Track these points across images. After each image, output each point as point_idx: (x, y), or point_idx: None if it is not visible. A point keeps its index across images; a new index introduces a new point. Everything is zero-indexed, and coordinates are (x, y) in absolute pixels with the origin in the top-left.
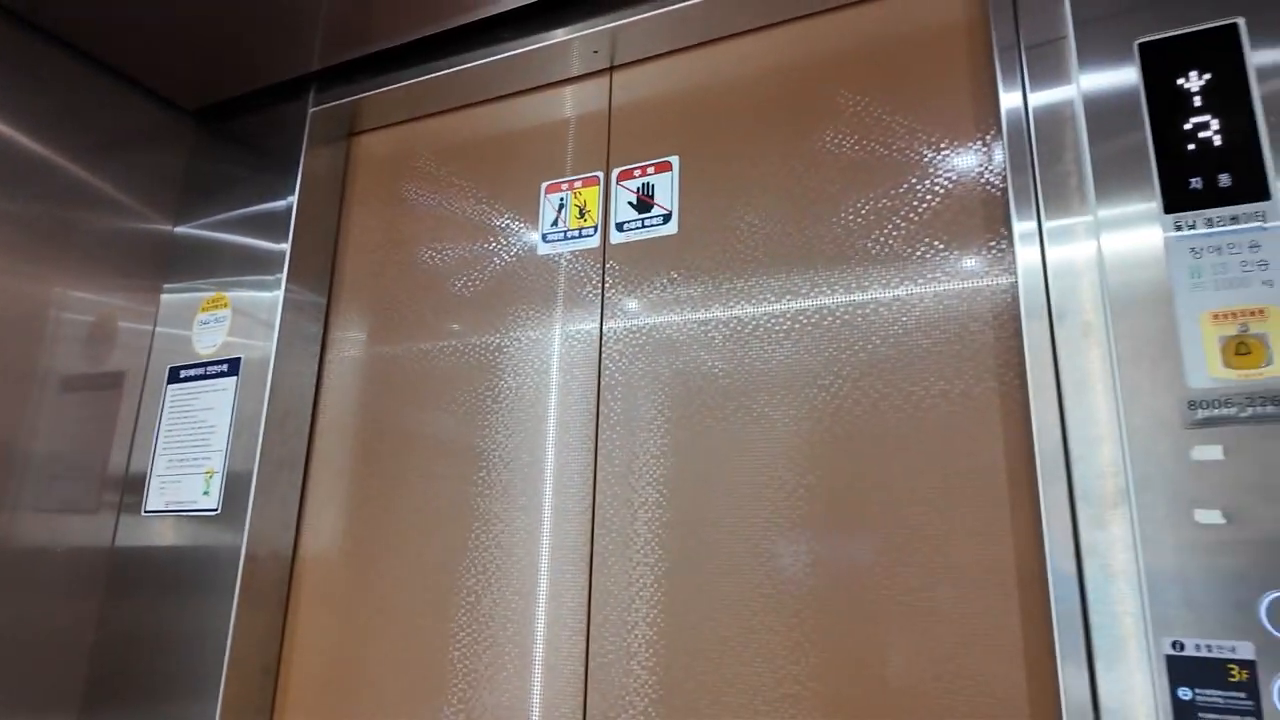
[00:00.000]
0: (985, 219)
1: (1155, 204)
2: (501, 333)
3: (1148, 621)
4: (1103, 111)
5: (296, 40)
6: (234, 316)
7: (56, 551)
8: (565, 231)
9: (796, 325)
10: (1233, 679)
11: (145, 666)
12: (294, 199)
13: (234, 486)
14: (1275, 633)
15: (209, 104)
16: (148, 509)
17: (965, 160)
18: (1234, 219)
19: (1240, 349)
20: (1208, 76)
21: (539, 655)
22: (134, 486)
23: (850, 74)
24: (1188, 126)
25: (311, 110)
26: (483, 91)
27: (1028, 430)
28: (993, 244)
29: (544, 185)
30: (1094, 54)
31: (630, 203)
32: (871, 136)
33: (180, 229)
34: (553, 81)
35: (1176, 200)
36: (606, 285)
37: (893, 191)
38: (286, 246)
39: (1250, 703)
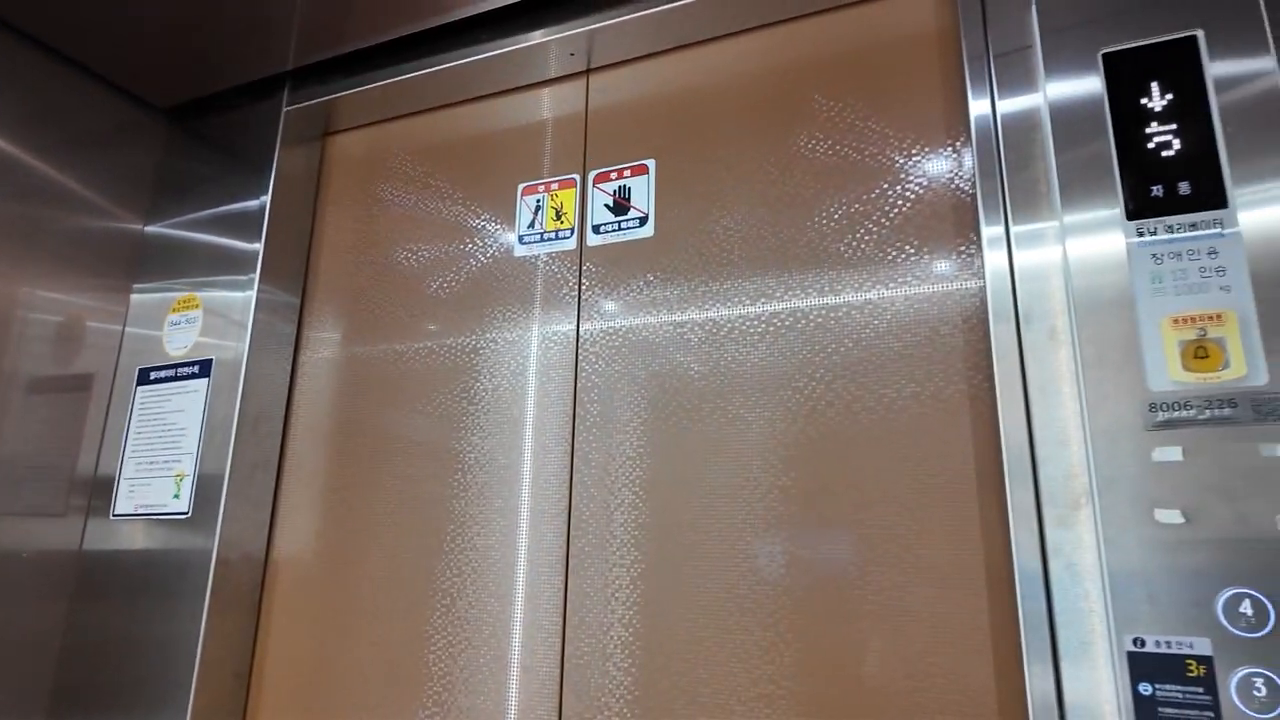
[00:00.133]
0: (955, 224)
1: (1118, 210)
2: (477, 334)
3: (1110, 619)
4: (1068, 119)
5: (270, 39)
6: (206, 317)
7: (22, 556)
8: (542, 233)
9: (771, 328)
10: (1191, 674)
11: (114, 673)
12: (267, 198)
13: (205, 489)
14: (1231, 629)
15: (181, 102)
16: (116, 513)
17: (936, 165)
18: (1193, 226)
19: (1199, 353)
20: (1168, 87)
21: (515, 657)
22: (102, 490)
23: (825, 79)
24: (1149, 135)
25: (285, 109)
26: (459, 92)
27: (996, 432)
28: (962, 249)
29: (521, 187)
30: (1060, 63)
31: (607, 205)
32: (845, 142)
33: (151, 228)
34: (529, 83)
35: (1139, 207)
36: (583, 287)
37: (865, 196)
38: (260, 246)
39: (1208, 697)
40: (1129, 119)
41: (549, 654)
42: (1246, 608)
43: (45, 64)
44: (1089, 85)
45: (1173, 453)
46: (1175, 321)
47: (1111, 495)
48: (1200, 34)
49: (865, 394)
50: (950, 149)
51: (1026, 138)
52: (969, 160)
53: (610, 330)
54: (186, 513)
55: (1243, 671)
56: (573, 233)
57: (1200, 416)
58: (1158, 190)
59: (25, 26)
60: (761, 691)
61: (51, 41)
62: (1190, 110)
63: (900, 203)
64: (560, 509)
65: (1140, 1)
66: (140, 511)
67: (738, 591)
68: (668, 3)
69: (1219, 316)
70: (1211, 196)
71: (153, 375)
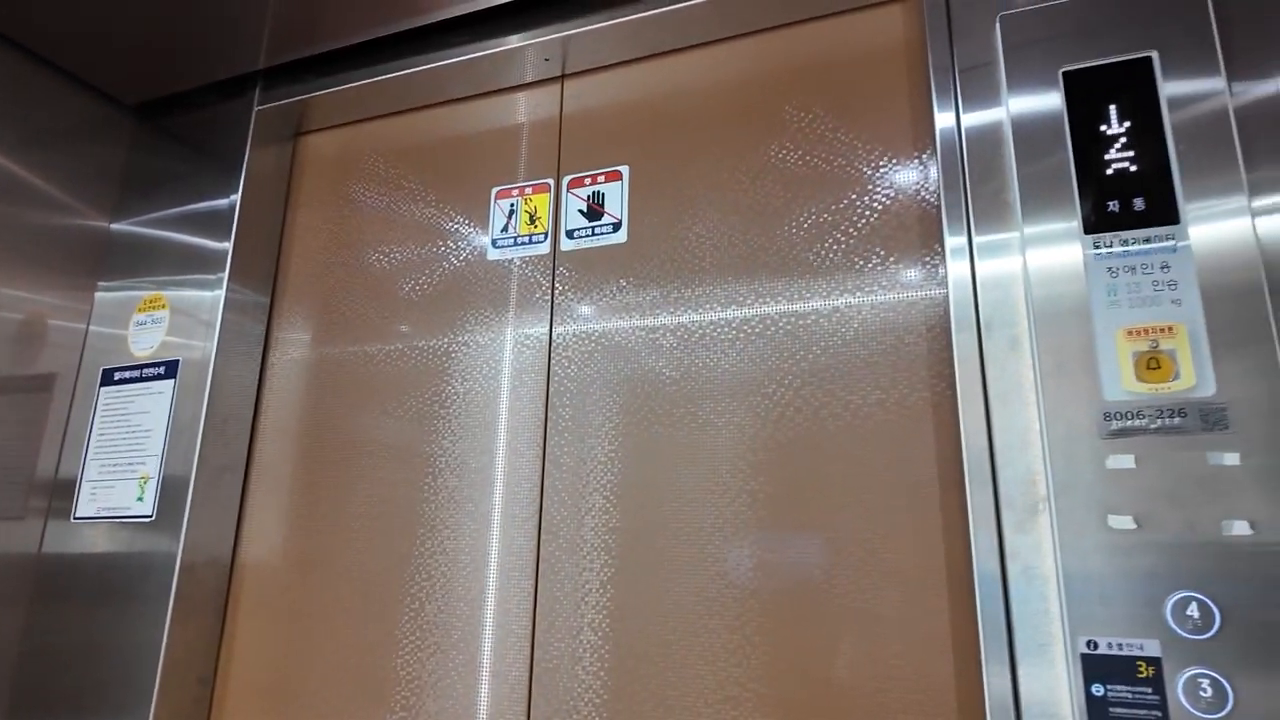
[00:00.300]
0: (921, 234)
1: (1077, 224)
2: (449, 337)
3: (1065, 621)
4: (1029, 134)
5: (241, 37)
6: (172, 317)
7: None
8: (515, 237)
9: (742, 334)
10: (1140, 675)
11: (74, 678)
12: (237, 197)
13: (170, 492)
14: (1179, 631)
15: (149, 99)
16: (78, 515)
17: (903, 176)
18: (1147, 240)
19: (1151, 364)
20: (1125, 105)
21: (484, 661)
22: (63, 492)
23: (796, 90)
24: (1106, 152)
25: (257, 109)
26: (434, 94)
27: (958, 438)
28: (927, 258)
29: (494, 191)
30: (1022, 79)
31: (581, 210)
32: (815, 152)
33: (117, 226)
34: (504, 87)
35: (1095, 222)
36: (556, 292)
37: (834, 206)
38: (229, 245)
39: (1156, 697)
40: (1087, 135)
41: (518, 658)
42: (1193, 610)
43: (5, 58)
44: (1050, 101)
45: (1126, 460)
46: (1129, 333)
47: (1067, 501)
48: (1155, 55)
49: (832, 400)
50: (916, 160)
51: (990, 151)
52: (934, 172)
53: (583, 334)
54: (151, 516)
55: (1189, 672)
56: (546, 237)
57: (1152, 426)
58: (1114, 205)
59: None
60: (728, 694)
61: (13, 35)
62: (1145, 128)
63: (868, 213)
64: (531, 513)
65: (1099, 22)
66: (103, 514)
67: (706, 595)
68: (642, 11)
69: (1170, 329)
70: (1164, 212)
71: (117, 376)
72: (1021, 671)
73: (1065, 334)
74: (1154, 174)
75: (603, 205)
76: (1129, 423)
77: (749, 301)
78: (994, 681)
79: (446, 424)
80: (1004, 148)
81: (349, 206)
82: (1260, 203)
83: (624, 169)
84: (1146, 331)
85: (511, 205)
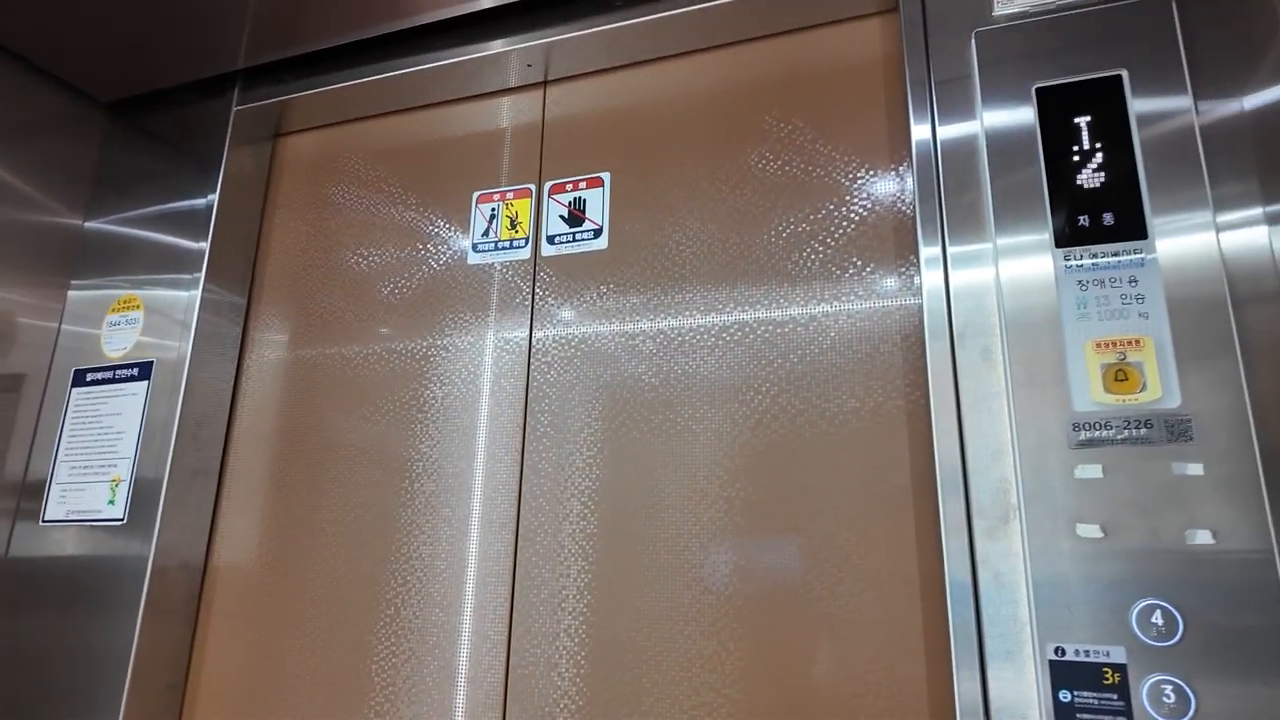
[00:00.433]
0: (897, 244)
1: (1048, 237)
2: (429, 341)
3: (1034, 628)
4: (1003, 147)
5: (221, 36)
6: (147, 317)
7: None
8: (496, 242)
9: (720, 340)
10: (1106, 681)
11: (40, 685)
12: (215, 197)
13: (142, 495)
14: (1143, 638)
15: (125, 97)
16: (47, 518)
17: (879, 187)
18: (1115, 255)
19: (1119, 376)
20: (1095, 122)
21: (460, 667)
22: (32, 494)
23: (775, 100)
24: (1077, 167)
25: (235, 109)
26: (415, 98)
27: (931, 446)
28: (903, 268)
29: (476, 195)
30: (996, 94)
31: (562, 216)
32: (794, 162)
33: (91, 224)
34: (487, 92)
35: (1066, 235)
36: (537, 297)
37: (812, 216)
38: (206, 245)
39: (1121, 703)
40: (1059, 150)
41: (494, 664)
42: (1158, 618)
43: None
44: (1023, 116)
45: (1093, 470)
46: (1098, 345)
47: (1037, 509)
48: (1124, 73)
49: (808, 407)
50: (893, 172)
51: (964, 164)
52: (910, 183)
53: (563, 339)
54: (122, 519)
55: (1153, 679)
56: (527, 242)
57: (1119, 436)
58: (1084, 219)
59: None
60: (703, 699)
61: None
62: (1115, 144)
63: (845, 223)
64: (509, 518)
65: (1071, 41)
66: (72, 517)
67: (682, 601)
68: (625, 20)
69: (1138, 342)
70: (1132, 227)
71: (89, 377)
72: (991, 677)
73: (1036, 345)
74: (1123, 189)
75: (584, 211)
76: (1097, 433)
77: (728, 308)
78: (964, 687)
79: (425, 428)
80: (978, 161)
81: (328, 208)
82: (1224, 218)
83: (605, 175)
84: (1115, 344)
85: (493, 210)
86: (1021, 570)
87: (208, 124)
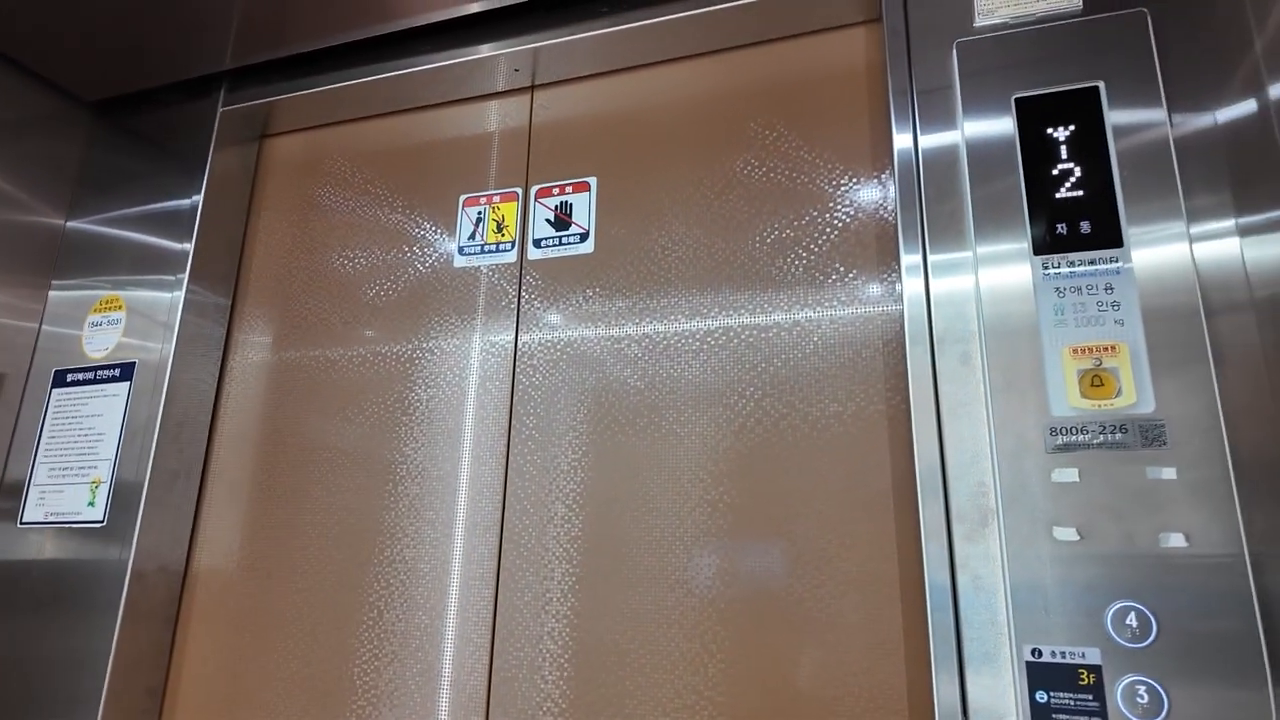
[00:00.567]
0: (879, 251)
1: (1026, 245)
2: (414, 343)
3: (1011, 630)
4: (983, 157)
5: (208, 37)
6: (129, 318)
7: None
8: (482, 245)
9: (705, 345)
10: (1082, 682)
11: (15, 688)
12: (199, 198)
13: (123, 497)
14: (1118, 639)
15: (110, 97)
16: (24, 520)
17: (862, 194)
18: (1092, 263)
19: (1095, 381)
20: (1073, 132)
21: (443, 670)
22: (9, 495)
23: (761, 107)
24: (1055, 176)
25: (221, 109)
26: (403, 101)
27: (911, 450)
28: (884, 275)
29: (462, 198)
30: (976, 104)
31: (548, 220)
32: (779, 169)
33: (73, 224)
34: (474, 96)
35: (1044, 243)
36: (523, 300)
37: (796, 222)
38: (190, 246)
39: (1096, 704)
40: (1037, 160)
41: (477, 667)
42: (1132, 620)
43: None
44: (1002, 126)
45: (1070, 474)
46: (1074, 351)
47: (1014, 513)
48: (1101, 85)
49: (791, 411)
50: (876, 180)
51: (945, 172)
52: (892, 190)
53: (548, 343)
54: (101, 521)
55: (1128, 679)
56: (513, 245)
57: (1095, 441)
58: (1062, 228)
59: None
60: (685, 702)
61: None
62: (1092, 155)
63: (828, 229)
64: (493, 521)
65: (1050, 52)
66: (51, 519)
67: (665, 604)
68: (612, 26)
69: (1113, 348)
70: (1109, 236)
71: (70, 377)
72: (970, 678)
73: (1015, 351)
74: (1099, 199)
75: (570, 215)
76: (1073, 438)
77: (713, 313)
78: (943, 688)
79: (409, 431)
80: (959, 169)
81: (314, 210)
82: (1198, 229)
83: (592, 180)
84: (1091, 350)
85: (479, 213)
86: (999, 573)
87: (193, 124)
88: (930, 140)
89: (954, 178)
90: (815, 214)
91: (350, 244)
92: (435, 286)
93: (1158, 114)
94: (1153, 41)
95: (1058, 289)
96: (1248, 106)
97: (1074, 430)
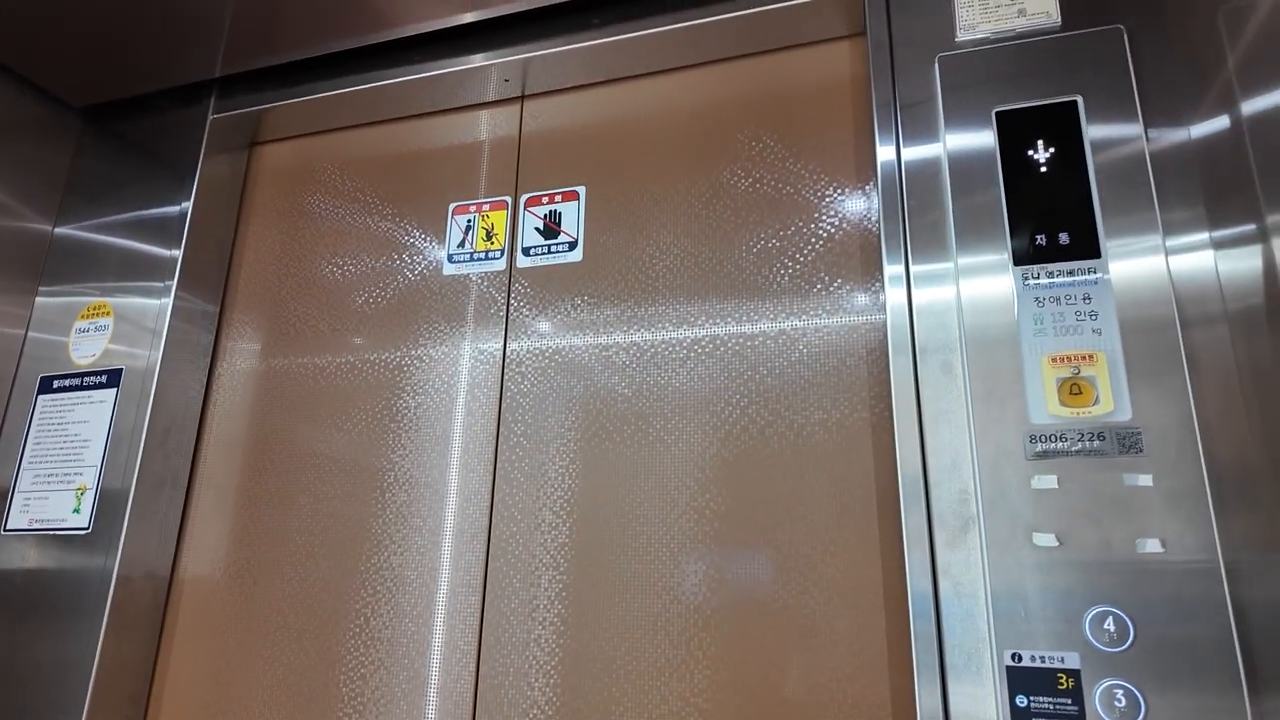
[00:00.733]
0: (863, 261)
1: (1007, 256)
2: (403, 351)
3: (992, 635)
4: (964, 169)
5: (198, 45)
6: (117, 324)
7: None
8: (471, 253)
9: (692, 353)
10: (1061, 686)
11: None
12: (189, 205)
13: (108, 504)
14: (1096, 643)
15: (100, 102)
16: (8, 527)
17: (847, 206)
18: (1070, 273)
19: (1073, 389)
20: (1052, 146)
21: (429, 678)
22: None
23: (748, 119)
24: (1034, 188)
25: (212, 117)
26: (393, 110)
27: (893, 458)
28: (868, 285)
29: (452, 206)
30: (958, 117)
31: (537, 228)
32: (765, 180)
33: (61, 230)
34: (464, 105)
35: (1024, 254)
36: (511, 308)
37: (782, 232)
38: (179, 253)
39: (1075, 708)
40: (1017, 172)
41: (464, 674)
42: (1110, 624)
43: None
44: (983, 139)
45: (1049, 481)
46: (1053, 360)
47: (995, 519)
48: (1080, 99)
49: (777, 419)
50: (860, 191)
51: (927, 184)
52: (876, 202)
53: (537, 351)
54: (86, 528)
55: (1105, 683)
56: (503, 254)
57: (1073, 448)
58: (1041, 239)
59: None
60: (671, 709)
61: None
62: (1070, 167)
63: (814, 239)
64: (480, 528)
65: (1029, 67)
66: (35, 526)
67: (652, 610)
68: (602, 38)
69: (1091, 357)
70: (1087, 247)
71: (56, 384)
72: (951, 684)
73: (995, 360)
74: (1078, 210)
75: (559, 224)
76: (1052, 445)
77: (700, 322)
78: (925, 693)
79: (397, 438)
80: (941, 182)
81: (304, 218)
82: (1173, 242)
83: (581, 189)
84: (1069, 359)
85: (468, 221)
86: (980, 579)
87: (184, 131)
88: (913, 153)
89: (936, 189)
90: (801, 224)
91: (340, 251)
92: (424, 294)
93: (1134, 128)
94: (1129, 58)
95: (1037, 299)
96: (1221, 122)
97: (1053, 437)
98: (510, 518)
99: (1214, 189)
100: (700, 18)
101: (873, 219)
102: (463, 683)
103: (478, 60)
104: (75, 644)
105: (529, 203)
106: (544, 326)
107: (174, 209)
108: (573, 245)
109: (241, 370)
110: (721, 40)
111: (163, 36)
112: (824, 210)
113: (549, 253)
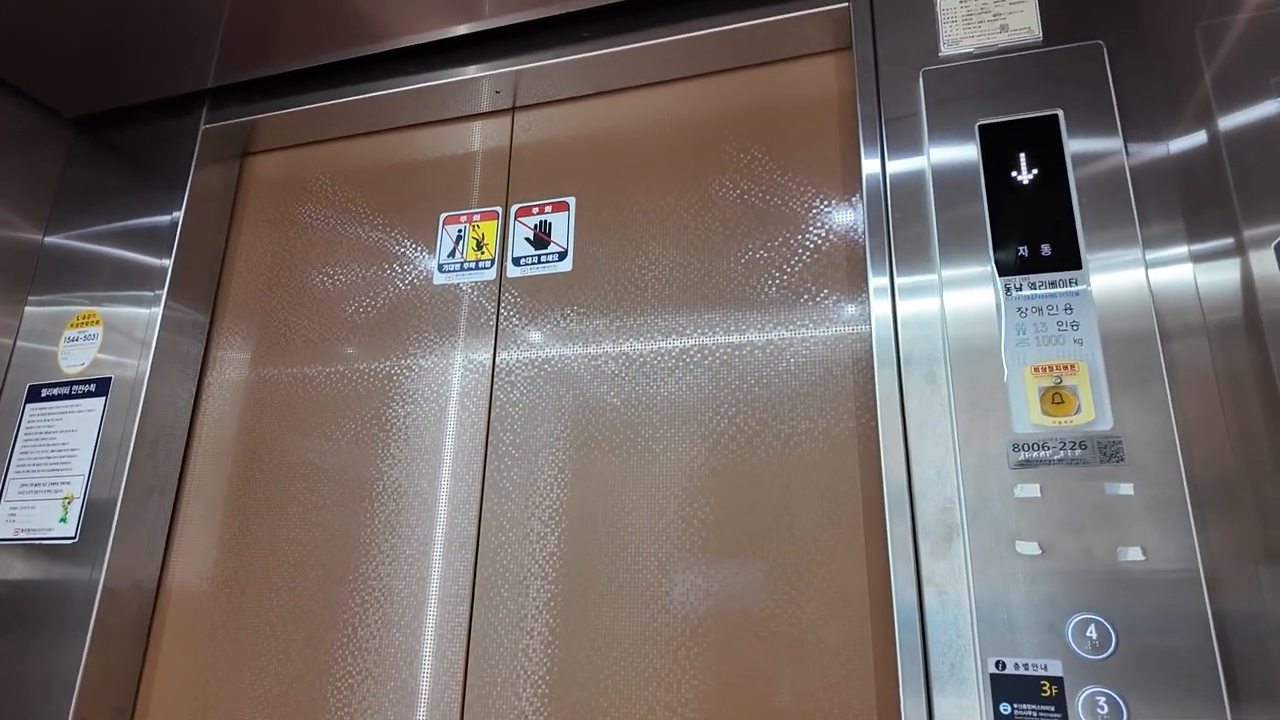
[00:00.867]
0: (849, 273)
1: (990, 267)
2: (393, 361)
3: (976, 643)
4: (948, 182)
5: (190, 56)
6: (106, 333)
7: None
8: (462, 263)
9: (681, 363)
10: (1044, 694)
11: None
12: (180, 214)
13: (95, 514)
14: (1078, 651)
15: (92, 113)
16: None
17: (833, 218)
18: (1052, 284)
19: (1055, 399)
20: (1034, 159)
21: (418, 688)
22: None
23: (736, 132)
24: (1017, 201)
25: (204, 127)
26: (384, 121)
27: (879, 468)
28: (855, 296)
29: (442, 216)
30: (942, 131)
31: (527, 239)
32: (753, 192)
33: (51, 239)
34: (455, 116)
35: (1007, 265)
36: (501, 318)
37: (769, 244)
38: (169, 262)
39: (1059, 715)
40: (1000, 185)
41: (452, 684)
42: (1092, 632)
43: None
44: (967, 152)
45: (1032, 489)
46: (1036, 370)
47: (979, 528)
48: (1061, 113)
49: (764, 429)
50: (846, 203)
51: (912, 196)
52: (861, 214)
53: (527, 360)
54: (73, 538)
55: (1088, 691)
56: (493, 264)
57: (1056, 457)
58: (1024, 251)
59: None
60: (658, 718)
61: None
62: (1052, 180)
63: (801, 251)
64: (469, 538)
65: (1011, 81)
66: (21, 536)
67: (640, 619)
68: (593, 51)
69: (1073, 366)
70: (1068, 259)
71: (44, 393)
72: (936, 692)
73: (978, 370)
74: (1059, 222)
75: (549, 234)
76: (1035, 454)
77: (688, 332)
78: (910, 703)
79: (386, 448)
80: (925, 194)
81: (295, 228)
82: (1153, 255)
83: (571, 200)
84: (1051, 368)
85: (459, 231)
86: (965, 587)
87: (175, 141)
88: (898, 165)
89: (920, 202)
90: (788, 236)
91: (330, 261)
92: (415, 304)
93: (1114, 143)
94: (1109, 73)
95: (1020, 309)
96: (1199, 138)
97: (1035, 446)
98: (499, 527)
99: (1192, 203)
100: (689, 32)
101: (859, 231)
102: (450, 692)
103: (469, 72)
104: (60, 655)
105: (519, 213)
106: (534, 336)
107: (165, 219)
108: (563, 255)
109: (231, 380)
110: (710, 54)
111: (156, 48)
112: (811, 222)
113: (539, 263)
